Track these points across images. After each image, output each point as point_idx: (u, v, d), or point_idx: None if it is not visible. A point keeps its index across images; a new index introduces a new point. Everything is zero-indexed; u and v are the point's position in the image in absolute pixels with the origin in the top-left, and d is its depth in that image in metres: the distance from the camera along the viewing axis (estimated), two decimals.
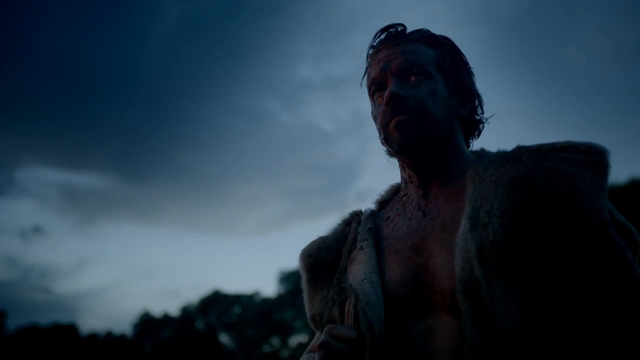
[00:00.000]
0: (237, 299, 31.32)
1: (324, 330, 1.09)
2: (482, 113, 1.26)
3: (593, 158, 1.06)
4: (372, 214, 1.29)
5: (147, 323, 31.17)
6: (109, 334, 31.72)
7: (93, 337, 31.11)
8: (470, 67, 1.28)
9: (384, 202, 1.33)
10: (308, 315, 1.25)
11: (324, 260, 1.25)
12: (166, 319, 31.33)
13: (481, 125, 1.27)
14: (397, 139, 1.16)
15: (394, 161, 1.29)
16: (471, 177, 1.12)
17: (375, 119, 1.24)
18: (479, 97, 1.26)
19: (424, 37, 1.25)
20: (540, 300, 0.97)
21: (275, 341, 29.11)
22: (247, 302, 30.98)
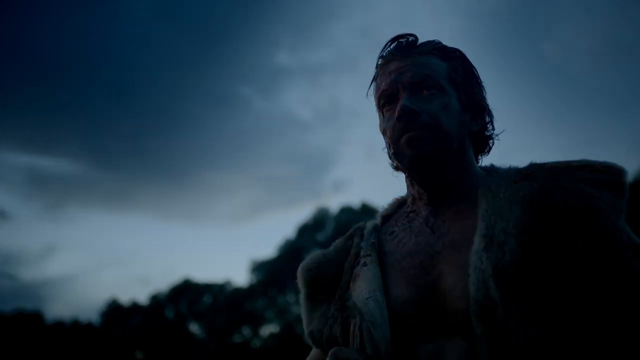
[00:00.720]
0: (208, 288, 31.19)
1: (330, 353, 1.07)
2: (493, 129, 1.25)
3: (610, 178, 1.06)
4: (376, 228, 1.27)
5: (115, 311, 30.86)
6: (76, 322, 31.34)
7: (59, 325, 30.70)
8: (481, 81, 1.26)
9: (387, 216, 1.31)
10: (306, 331, 1.23)
11: (324, 275, 1.23)
12: (135, 307, 31.06)
13: (491, 141, 1.25)
14: (409, 156, 1.14)
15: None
16: (484, 193, 1.11)
17: (384, 133, 1.22)
18: (490, 112, 1.25)
19: (436, 49, 1.23)
20: (558, 323, 0.96)
21: (246, 331, 29.11)
22: (218, 292, 30.89)
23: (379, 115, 1.25)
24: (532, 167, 1.13)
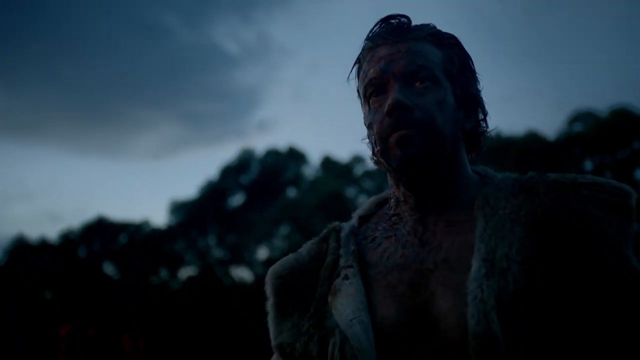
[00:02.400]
0: (124, 227, 30.59)
1: None
2: (486, 126, 1.17)
3: (619, 200, 1.01)
4: (353, 231, 1.18)
5: (22, 249, 29.83)
6: None
7: None
8: (476, 73, 1.17)
9: (365, 216, 1.22)
10: (274, 342, 1.15)
11: (296, 283, 1.15)
12: (44, 245, 30.12)
13: (483, 139, 1.17)
14: (398, 157, 1.05)
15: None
16: (481, 207, 1.04)
17: (370, 127, 1.12)
18: (484, 108, 1.17)
19: (431, 34, 1.13)
20: (561, 356, 0.93)
21: (164, 273, 28.96)
22: (134, 232, 30.37)
23: (363, 106, 1.15)
24: (533, 179, 1.07)
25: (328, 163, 29.35)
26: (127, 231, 30.64)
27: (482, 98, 1.17)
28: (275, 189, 28.90)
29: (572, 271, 0.95)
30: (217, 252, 29.72)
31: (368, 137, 1.15)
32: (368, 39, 1.15)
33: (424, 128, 1.04)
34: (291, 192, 29.96)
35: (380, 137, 1.08)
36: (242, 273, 29.27)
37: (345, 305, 1.04)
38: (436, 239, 1.06)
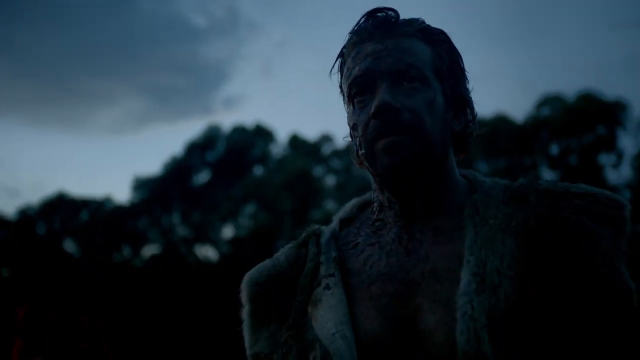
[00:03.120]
0: (85, 204, 30.09)
1: None
2: (475, 127, 1.13)
3: (613, 212, 0.99)
4: (334, 235, 1.13)
5: None
6: None
7: None
8: (465, 71, 1.13)
9: (346, 219, 1.17)
10: (249, 351, 1.10)
11: (273, 290, 1.10)
12: (0, 221, 29.44)
13: (471, 140, 1.13)
14: (385, 164, 1.00)
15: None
16: (470, 215, 1.01)
17: (354, 127, 1.06)
18: (473, 108, 1.12)
19: (420, 30, 1.08)
20: None
21: (127, 251, 28.62)
22: (96, 208, 29.89)
23: (347, 105, 1.09)
24: (525, 187, 1.04)
25: (296, 141, 29.24)
26: (89, 208, 30.13)
27: (471, 98, 1.12)
28: (241, 167, 28.69)
29: (563, 286, 0.93)
30: (182, 230, 29.47)
31: (351, 137, 1.10)
32: (353, 33, 1.09)
33: (413, 132, 1.00)
34: (258, 170, 29.79)
35: (366, 141, 1.03)
36: (206, 252, 29.14)
37: (327, 317, 1.00)
38: (423, 249, 1.02)
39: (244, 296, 1.12)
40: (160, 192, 28.25)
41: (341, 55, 1.11)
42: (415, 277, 0.99)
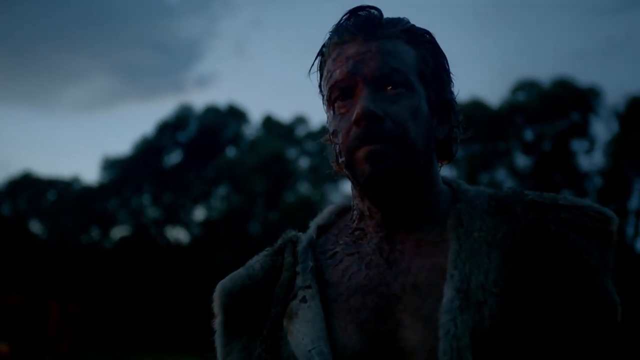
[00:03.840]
0: (53, 184, 29.63)
1: None
2: (461, 132, 1.10)
3: (600, 225, 0.97)
4: (311, 243, 1.10)
5: None
6: None
7: None
8: (451, 74, 1.09)
9: (324, 226, 1.14)
10: None
11: (247, 301, 1.07)
12: None
13: (455, 147, 1.10)
14: (367, 173, 0.97)
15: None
16: (454, 227, 0.98)
17: (334, 134, 1.02)
18: (457, 113, 1.09)
19: (405, 31, 1.04)
20: None
21: (95, 232, 28.28)
22: (64, 188, 29.44)
23: (327, 109, 1.06)
24: (510, 197, 1.02)
25: (269, 123, 29.08)
26: (56, 188, 29.66)
27: (456, 103, 1.09)
28: (213, 148, 28.48)
29: (549, 301, 0.92)
30: (152, 212, 29.22)
31: (330, 142, 1.06)
32: (334, 32, 1.05)
33: (396, 141, 0.96)
34: (230, 152, 29.61)
35: (346, 149, 0.99)
36: (177, 233, 28.97)
37: (303, 332, 0.97)
38: (404, 261, 0.99)
39: (216, 306, 1.09)
40: (131, 172, 27.91)
41: (321, 54, 1.07)
42: (396, 291, 0.96)
